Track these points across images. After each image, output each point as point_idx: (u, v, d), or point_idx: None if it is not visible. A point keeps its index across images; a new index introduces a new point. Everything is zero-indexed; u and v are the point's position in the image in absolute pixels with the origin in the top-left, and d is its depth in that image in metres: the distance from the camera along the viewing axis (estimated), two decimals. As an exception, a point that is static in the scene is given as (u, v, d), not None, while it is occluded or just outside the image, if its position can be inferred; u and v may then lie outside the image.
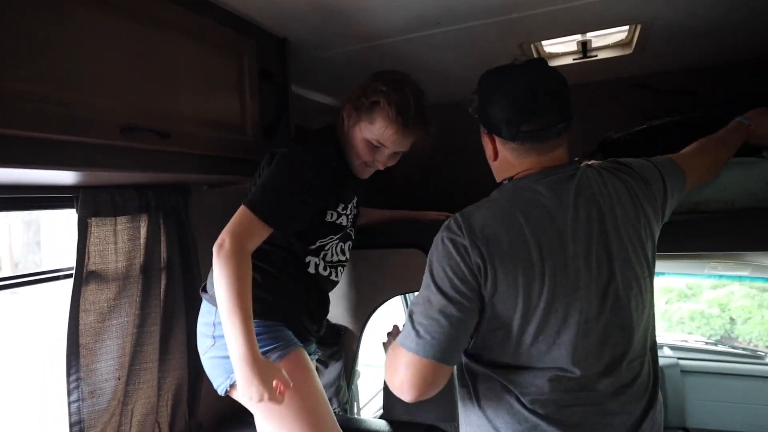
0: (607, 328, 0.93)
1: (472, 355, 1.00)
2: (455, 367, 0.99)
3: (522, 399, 0.92)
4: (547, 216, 0.93)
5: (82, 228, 1.32)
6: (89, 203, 1.32)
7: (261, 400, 1.02)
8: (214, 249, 1.08)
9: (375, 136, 1.22)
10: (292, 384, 1.10)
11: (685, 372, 2.54)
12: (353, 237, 1.45)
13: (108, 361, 1.38)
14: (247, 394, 1.03)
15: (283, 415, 1.16)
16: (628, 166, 1.07)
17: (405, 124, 1.19)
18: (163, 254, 1.54)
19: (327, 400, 1.26)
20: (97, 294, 1.36)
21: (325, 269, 1.36)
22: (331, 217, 1.33)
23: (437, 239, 0.95)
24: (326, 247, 1.35)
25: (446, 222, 0.96)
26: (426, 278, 0.93)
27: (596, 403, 0.93)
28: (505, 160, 1.02)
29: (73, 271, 1.32)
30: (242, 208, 1.12)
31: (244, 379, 1.02)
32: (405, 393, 0.90)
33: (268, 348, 1.19)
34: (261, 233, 1.13)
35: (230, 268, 1.06)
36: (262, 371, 1.02)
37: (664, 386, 2.47)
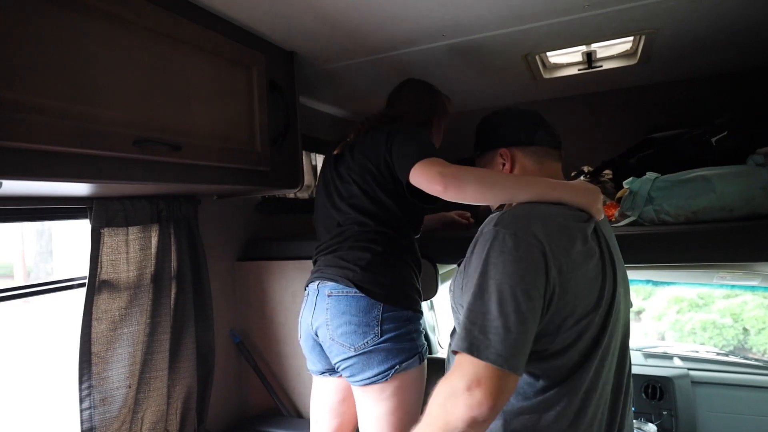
0: None
1: None
2: None
3: None
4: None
5: (95, 238, 1.35)
6: (102, 214, 1.35)
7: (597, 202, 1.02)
8: (443, 185, 1.13)
9: (446, 122, 1.64)
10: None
11: (696, 383, 2.50)
12: None
13: (119, 369, 1.41)
14: (594, 205, 1.00)
15: (411, 412, 1.28)
16: None
17: None
18: (174, 263, 1.57)
19: None
20: (109, 303, 1.39)
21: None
22: None
23: None
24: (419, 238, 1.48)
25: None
26: None
27: None
28: (524, 168, 1.10)
29: (86, 281, 1.35)
30: (421, 163, 1.19)
31: (585, 198, 1.01)
32: None
33: (419, 350, 1.31)
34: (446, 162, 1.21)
35: (468, 172, 1.12)
36: (571, 186, 1.03)
37: (674, 397, 2.44)
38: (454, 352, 0.83)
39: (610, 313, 0.91)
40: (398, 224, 1.36)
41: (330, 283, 1.32)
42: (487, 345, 0.78)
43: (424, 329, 1.38)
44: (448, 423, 0.77)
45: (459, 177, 1.11)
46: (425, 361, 1.33)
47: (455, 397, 0.77)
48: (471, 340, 0.79)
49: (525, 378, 0.90)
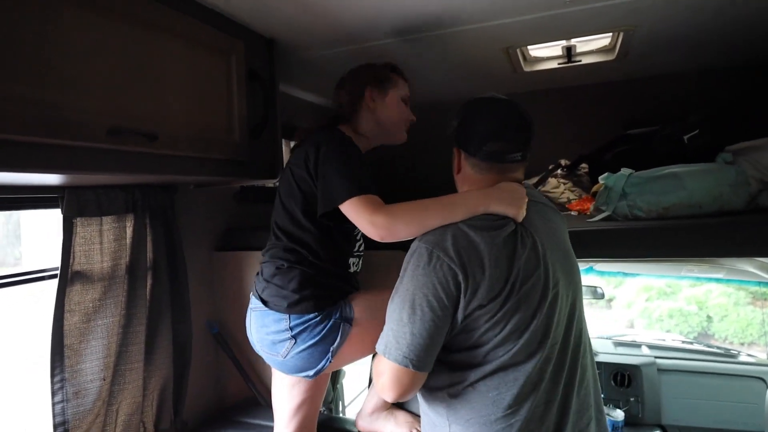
0: None
1: None
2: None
3: None
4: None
5: (68, 228, 1.32)
6: (75, 203, 1.31)
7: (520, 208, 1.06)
8: (378, 235, 1.12)
9: (403, 93, 1.46)
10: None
11: (662, 370, 2.60)
12: None
13: (93, 362, 1.38)
14: (517, 211, 1.06)
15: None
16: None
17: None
18: (149, 254, 1.54)
19: None
20: (83, 294, 1.36)
21: (356, 265, 1.45)
22: None
23: None
24: (358, 237, 1.44)
25: None
26: None
27: None
28: (466, 175, 1.15)
29: (58, 272, 1.31)
30: (351, 201, 1.15)
31: (506, 208, 1.06)
32: None
33: (340, 324, 1.28)
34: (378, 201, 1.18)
35: (397, 217, 1.10)
36: (498, 195, 1.07)
37: (642, 384, 2.54)
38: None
39: (545, 296, 1.00)
40: (309, 244, 1.31)
41: (252, 297, 1.37)
42: (396, 348, 0.97)
43: (342, 305, 1.33)
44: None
45: (390, 226, 1.10)
46: (354, 310, 1.30)
47: (375, 381, 1.04)
48: (385, 343, 1.00)
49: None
